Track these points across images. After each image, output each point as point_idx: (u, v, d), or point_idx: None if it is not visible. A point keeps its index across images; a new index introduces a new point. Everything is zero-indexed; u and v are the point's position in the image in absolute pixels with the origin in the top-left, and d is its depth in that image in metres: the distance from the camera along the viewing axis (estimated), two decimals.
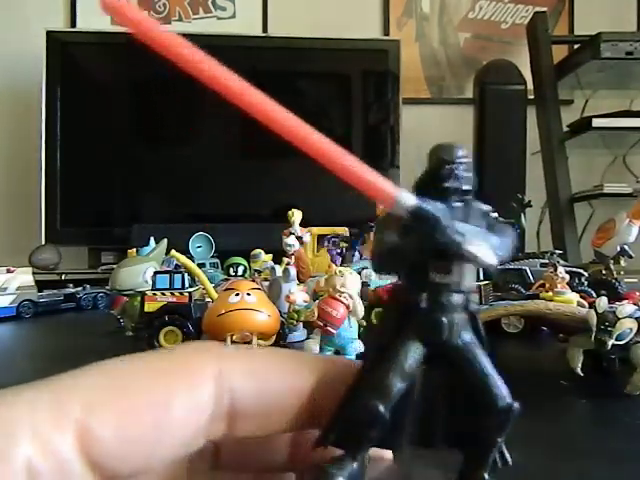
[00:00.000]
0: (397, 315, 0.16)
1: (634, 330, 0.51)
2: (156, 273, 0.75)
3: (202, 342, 0.17)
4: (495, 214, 0.17)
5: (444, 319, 0.15)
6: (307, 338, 0.66)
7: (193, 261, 0.83)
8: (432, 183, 0.16)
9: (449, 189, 0.16)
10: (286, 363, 0.16)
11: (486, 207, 0.17)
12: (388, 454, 0.17)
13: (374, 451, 0.16)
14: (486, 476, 0.16)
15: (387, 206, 0.15)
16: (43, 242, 1.71)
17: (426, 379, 0.16)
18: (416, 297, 0.15)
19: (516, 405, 0.15)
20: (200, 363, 0.15)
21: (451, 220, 0.15)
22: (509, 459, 0.17)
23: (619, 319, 0.51)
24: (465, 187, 0.16)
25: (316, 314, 0.59)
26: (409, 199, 0.15)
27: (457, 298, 0.16)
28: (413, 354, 0.15)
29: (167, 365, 0.15)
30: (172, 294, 0.72)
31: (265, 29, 2.09)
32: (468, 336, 0.16)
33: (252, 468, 0.18)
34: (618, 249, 0.95)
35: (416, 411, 0.16)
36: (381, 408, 0.15)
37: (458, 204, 0.16)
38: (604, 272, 0.96)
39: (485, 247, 0.15)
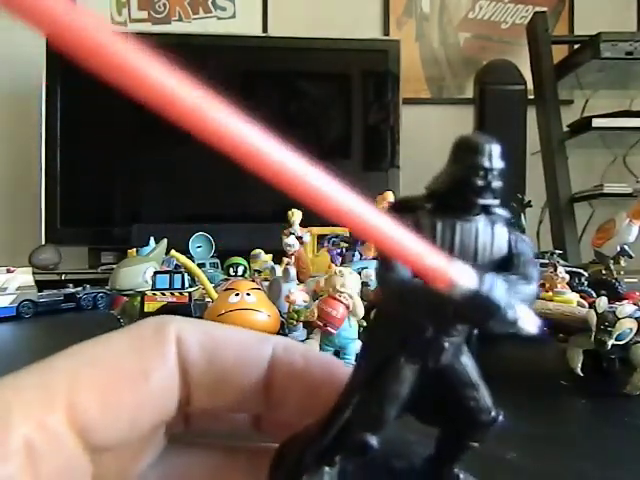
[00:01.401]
0: (396, 333, 0.15)
1: (634, 330, 0.51)
2: (156, 273, 0.75)
3: (168, 315, 0.17)
4: (508, 216, 0.15)
5: (446, 344, 0.14)
6: (307, 338, 0.66)
7: (193, 261, 0.83)
8: (459, 196, 0.14)
9: (478, 205, 0.14)
10: (244, 341, 0.17)
11: (505, 212, 0.15)
12: None
13: None
14: (461, 476, 0.16)
15: (441, 288, 0.12)
16: (43, 242, 1.71)
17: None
18: (422, 325, 0.14)
19: (500, 417, 0.15)
20: (167, 333, 0.16)
21: (508, 295, 0.13)
22: None
23: (619, 319, 0.51)
24: (495, 200, 0.14)
25: (316, 314, 0.59)
26: (468, 280, 0.12)
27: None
28: (409, 382, 0.15)
29: (140, 337, 0.16)
30: (172, 294, 0.72)
31: (265, 29, 2.08)
32: (464, 351, 0.15)
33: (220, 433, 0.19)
34: (618, 249, 0.95)
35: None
36: (373, 442, 0.15)
37: (482, 219, 0.14)
38: (604, 272, 0.96)
39: (529, 313, 0.13)
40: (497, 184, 0.14)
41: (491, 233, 0.14)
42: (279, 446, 0.16)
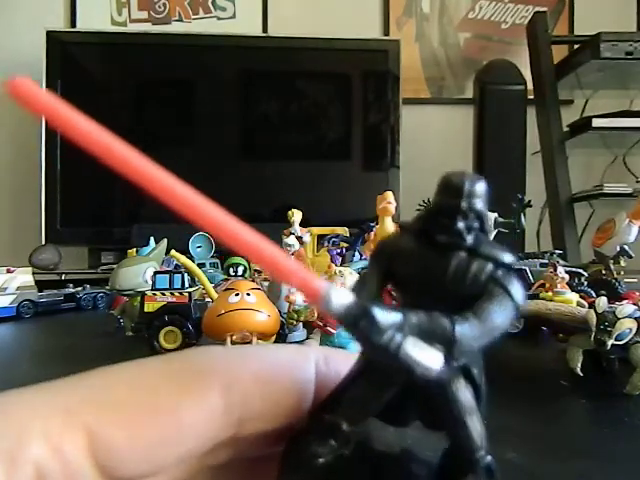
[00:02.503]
0: None
1: (634, 330, 0.51)
2: (156, 273, 0.75)
3: (210, 348, 0.17)
4: (509, 261, 0.14)
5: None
6: (307, 338, 0.66)
7: (193, 261, 0.83)
8: (427, 231, 0.14)
9: (446, 244, 0.14)
10: (290, 361, 0.17)
11: (499, 254, 0.14)
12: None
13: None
14: None
15: (313, 304, 0.13)
16: (43, 242, 1.71)
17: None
18: None
19: (486, 460, 0.15)
20: (209, 372, 0.15)
21: (390, 319, 0.13)
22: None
23: (619, 319, 0.51)
24: (469, 237, 0.14)
25: (316, 314, 0.59)
26: (339, 298, 0.13)
27: None
28: (388, 393, 0.15)
29: (176, 372, 0.15)
30: (172, 294, 0.72)
31: (265, 29, 2.09)
32: (455, 384, 0.14)
33: (263, 453, 0.18)
34: (618, 249, 0.95)
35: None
36: (344, 427, 0.15)
37: (461, 254, 0.14)
38: (604, 272, 0.96)
39: (429, 352, 0.13)
40: (464, 225, 0.14)
41: (464, 271, 0.14)
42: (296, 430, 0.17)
